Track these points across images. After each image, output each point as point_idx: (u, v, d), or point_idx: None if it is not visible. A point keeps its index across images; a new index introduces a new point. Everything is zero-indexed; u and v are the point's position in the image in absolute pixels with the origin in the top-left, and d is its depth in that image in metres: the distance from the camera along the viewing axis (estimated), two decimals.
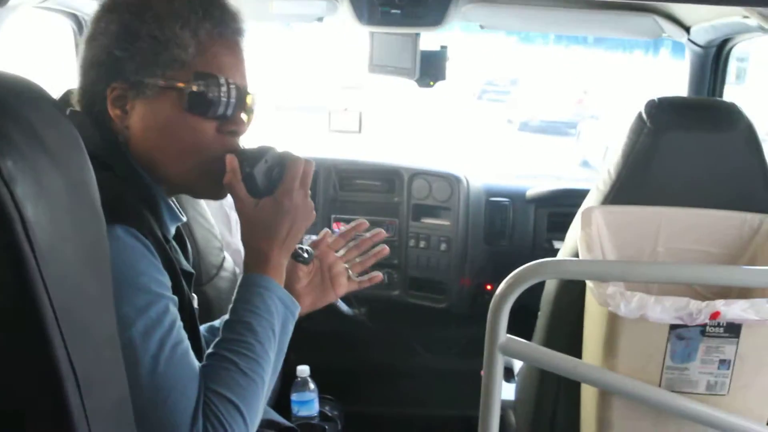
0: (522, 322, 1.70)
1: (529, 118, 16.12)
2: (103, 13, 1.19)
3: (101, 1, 1.21)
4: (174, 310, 1.10)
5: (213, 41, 1.19)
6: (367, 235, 1.53)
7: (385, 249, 1.51)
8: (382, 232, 1.53)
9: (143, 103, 1.18)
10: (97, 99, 1.19)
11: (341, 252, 1.53)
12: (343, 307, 2.79)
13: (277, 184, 1.23)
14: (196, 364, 1.11)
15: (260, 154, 1.24)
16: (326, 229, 1.55)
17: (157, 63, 1.16)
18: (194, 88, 1.17)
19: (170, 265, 1.14)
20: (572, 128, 14.86)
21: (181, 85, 1.17)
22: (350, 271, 1.52)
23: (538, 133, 15.71)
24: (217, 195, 1.30)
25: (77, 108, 1.22)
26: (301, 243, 1.41)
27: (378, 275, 1.53)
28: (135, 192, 1.16)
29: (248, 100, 1.26)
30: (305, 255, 1.42)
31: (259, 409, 1.15)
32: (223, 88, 1.19)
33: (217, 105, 1.19)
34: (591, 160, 12.41)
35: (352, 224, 1.53)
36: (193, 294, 1.30)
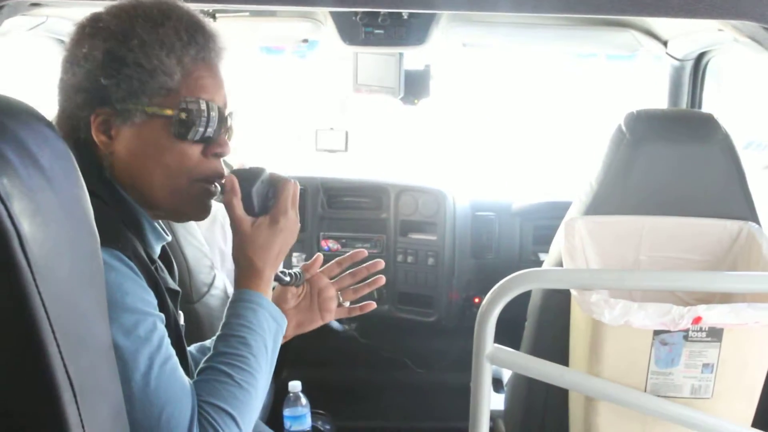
0: (512, 333, 1.71)
1: None
2: (84, 38, 1.18)
3: (79, 24, 1.21)
4: (161, 327, 1.11)
5: (196, 66, 1.21)
6: (364, 265, 1.53)
7: (381, 279, 1.52)
8: (380, 262, 1.53)
9: (129, 130, 1.18)
10: (81, 124, 1.19)
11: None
12: (334, 323, 2.81)
13: (270, 204, 1.27)
14: (186, 378, 1.12)
15: (256, 174, 1.27)
16: (318, 254, 1.55)
17: (144, 91, 1.16)
18: (182, 116, 1.18)
19: (155, 285, 1.15)
20: None
21: (169, 112, 1.18)
22: (341, 298, 1.53)
23: None
24: (199, 216, 1.31)
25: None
26: (291, 266, 1.42)
27: (371, 304, 1.53)
28: (118, 214, 1.17)
29: (229, 119, 1.28)
30: (287, 279, 1.43)
31: (253, 419, 1.17)
32: (209, 113, 1.21)
33: (203, 129, 1.21)
34: None
35: (350, 253, 1.54)
36: (180, 312, 1.31)
